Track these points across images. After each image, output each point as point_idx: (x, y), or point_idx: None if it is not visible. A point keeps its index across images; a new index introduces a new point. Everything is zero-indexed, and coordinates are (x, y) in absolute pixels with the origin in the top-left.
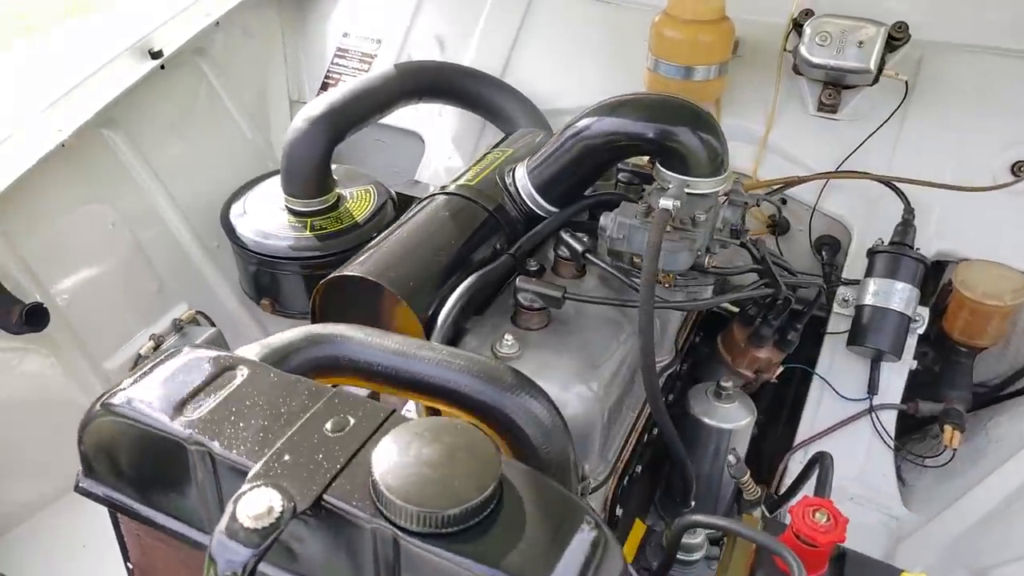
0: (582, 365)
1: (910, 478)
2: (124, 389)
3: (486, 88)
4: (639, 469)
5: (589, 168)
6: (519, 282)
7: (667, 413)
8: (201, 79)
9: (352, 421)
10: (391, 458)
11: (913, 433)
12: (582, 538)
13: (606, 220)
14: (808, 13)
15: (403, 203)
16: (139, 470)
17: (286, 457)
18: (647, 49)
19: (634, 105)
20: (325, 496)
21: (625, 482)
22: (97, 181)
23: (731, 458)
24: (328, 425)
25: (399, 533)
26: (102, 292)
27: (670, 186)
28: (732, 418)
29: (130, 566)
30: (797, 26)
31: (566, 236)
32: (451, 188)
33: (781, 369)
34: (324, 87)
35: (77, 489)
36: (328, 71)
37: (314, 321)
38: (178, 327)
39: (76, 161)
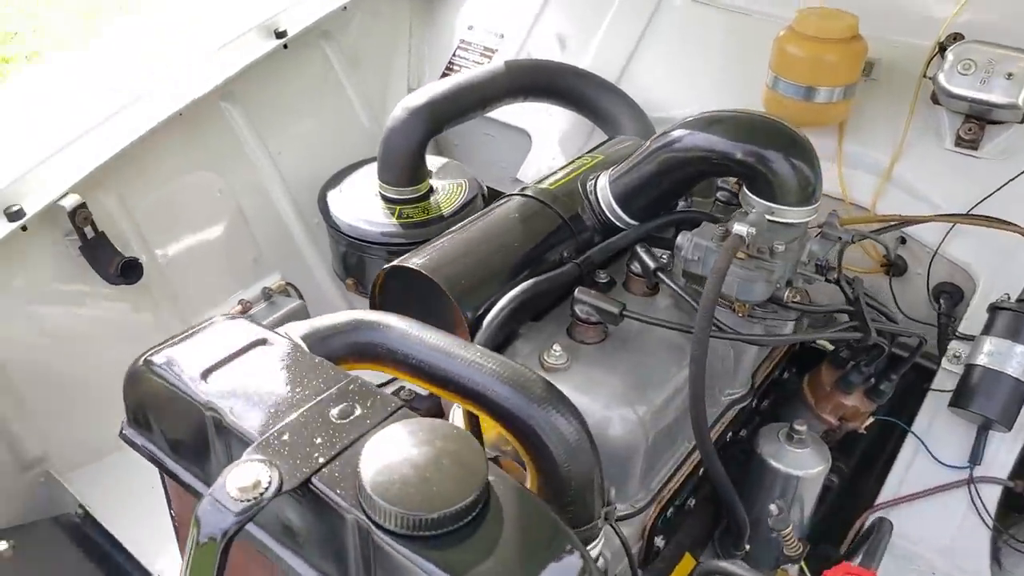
0: (631, 387)
1: (1008, 563)
2: (166, 348)
3: (594, 91)
4: (692, 502)
5: (673, 183)
6: (577, 292)
7: (714, 450)
8: (323, 61)
9: (359, 411)
10: (380, 453)
11: (1019, 514)
12: (560, 566)
13: (683, 239)
14: (956, 37)
15: (494, 200)
16: (169, 427)
17: (286, 436)
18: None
19: (727, 122)
20: (313, 480)
21: (670, 513)
22: (210, 150)
23: (773, 507)
24: (335, 411)
25: (374, 528)
26: (201, 254)
27: (752, 211)
28: (802, 464)
29: (173, 514)
30: (942, 50)
31: (640, 251)
32: (529, 190)
33: (871, 420)
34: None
35: (121, 435)
36: (450, 62)
37: (372, 306)
38: (267, 295)
39: (192, 130)
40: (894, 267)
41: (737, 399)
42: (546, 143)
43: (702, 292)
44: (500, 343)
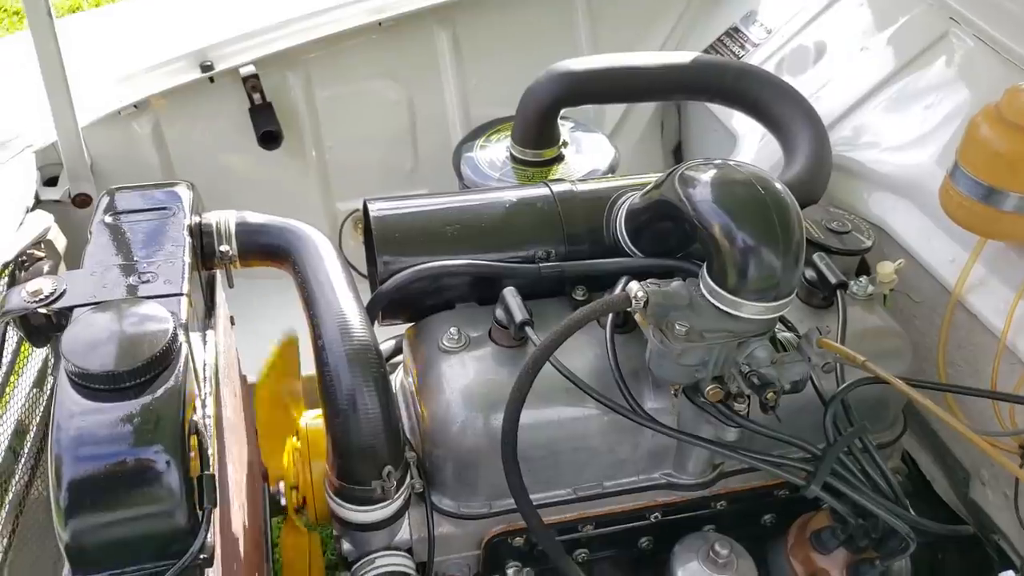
0: (497, 397)
1: None
2: (129, 187)
3: (781, 106)
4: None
5: (667, 228)
6: (504, 292)
7: (535, 512)
8: (566, 10)
9: (153, 283)
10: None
11: None
12: None
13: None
14: None
15: None
16: None
17: (94, 275)
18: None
19: (719, 180)
20: (75, 311)
21: (520, 544)
22: (405, 64)
23: None
24: (140, 276)
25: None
26: (363, 150)
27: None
28: None
29: None
30: None
31: (619, 284)
32: (556, 184)
33: None
34: None
35: None
36: (712, 44)
37: (365, 233)
38: None
39: (394, 40)
40: None
41: (678, 485)
42: (746, 156)
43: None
44: (420, 306)
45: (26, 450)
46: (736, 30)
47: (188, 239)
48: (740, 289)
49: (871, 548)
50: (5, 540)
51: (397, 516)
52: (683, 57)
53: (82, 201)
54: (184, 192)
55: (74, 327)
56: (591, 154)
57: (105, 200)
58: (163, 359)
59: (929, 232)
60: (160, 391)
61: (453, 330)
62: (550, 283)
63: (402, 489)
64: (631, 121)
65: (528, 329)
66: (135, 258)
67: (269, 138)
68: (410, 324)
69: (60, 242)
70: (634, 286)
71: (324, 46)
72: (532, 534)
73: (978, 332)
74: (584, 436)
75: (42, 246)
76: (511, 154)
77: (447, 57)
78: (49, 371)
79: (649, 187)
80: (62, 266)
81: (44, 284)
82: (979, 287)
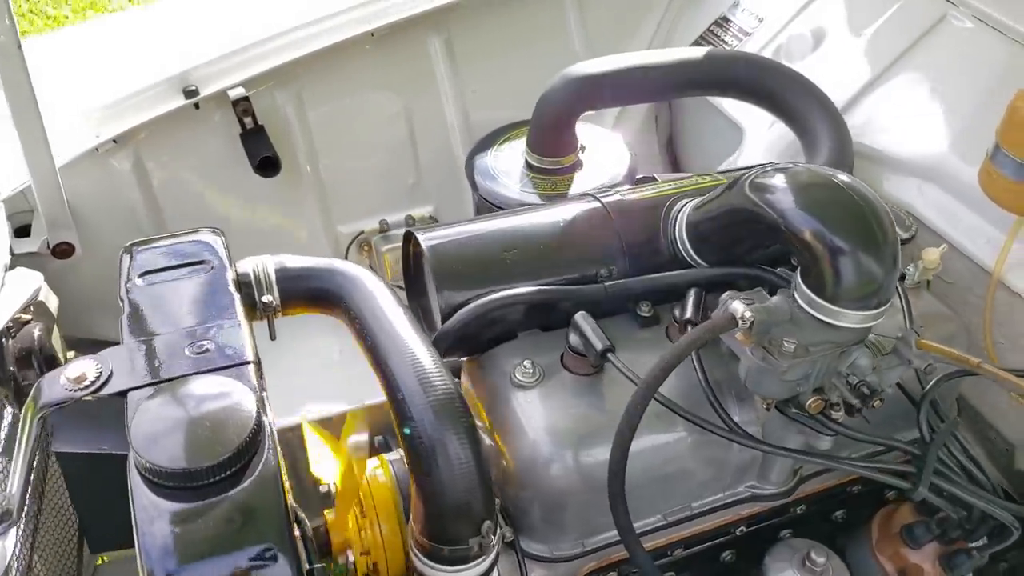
0: (587, 432)
1: None
2: (148, 243)
3: (798, 98)
4: None
5: (740, 234)
6: (576, 317)
7: (632, 528)
8: (558, 10)
9: (210, 351)
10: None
11: None
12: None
13: (724, 298)
14: None
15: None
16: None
17: (140, 348)
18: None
19: (806, 185)
20: (129, 394)
21: None
22: (399, 74)
23: None
24: (194, 343)
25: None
26: (362, 169)
27: (793, 293)
28: None
29: None
30: None
31: (689, 297)
32: (605, 196)
33: None
34: None
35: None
36: (702, 35)
37: (405, 267)
38: (408, 223)
39: (386, 50)
40: None
41: (762, 496)
42: (754, 148)
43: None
44: (483, 340)
45: None
46: (725, 19)
47: (236, 295)
48: (842, 298)
49: (962, 538)
50: None
51: (491, 570)
52: (695, 52)
53: (63, 251)
54: (215, 240)
55: (141, 417)
56: (608, 157)
57: (127, 260)
58: (253, 443)
59: (960, 214)
60: (256, 479)
61: (527, 363)
62: (612, 301)
63: (495, 541)
64: (627, 116)
65: (612, 357)
66: (184, 324)
67: (267, 165)
68: (469, 357)
69: (52, 302)
70: (739, 306)
71: (315, 61)
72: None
73: (1019, 309)
74: (675, 460)
75: (30, 308)
76: (527, 162)
77: (442, 64)
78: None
79: (712, 195)
80: (55, 332)
81: (86, 367)
82: (1019, 266)
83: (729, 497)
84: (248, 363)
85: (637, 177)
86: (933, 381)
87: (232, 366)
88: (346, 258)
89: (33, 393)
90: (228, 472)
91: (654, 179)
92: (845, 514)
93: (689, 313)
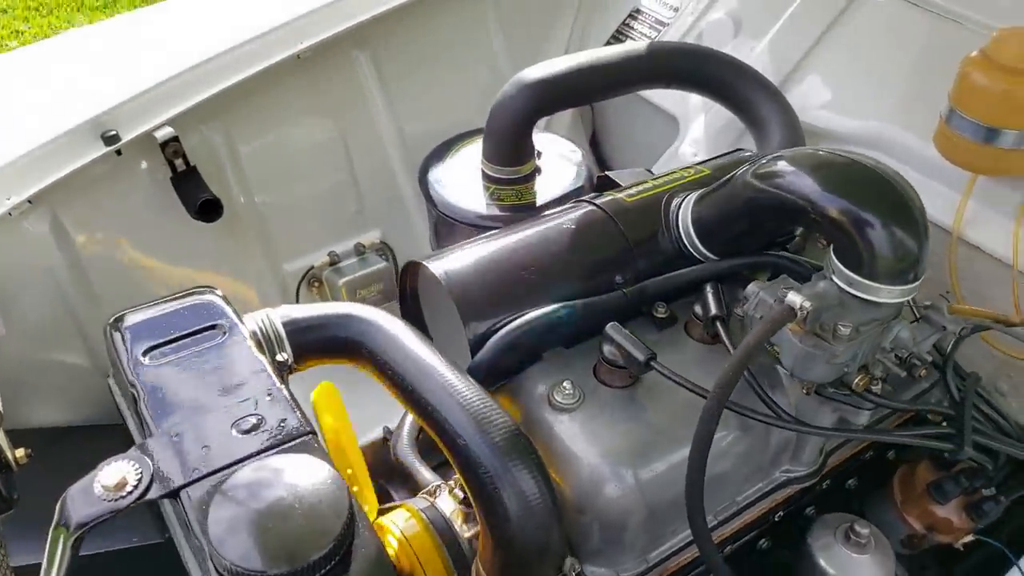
0: (640, 446)
1: None
2: (138, 311)
3: (744, 85)
4: None
5: (757, 224)
6: (608, 329)
7: (710, 539)
8: (474, 14)
9: (261, 428)
10: (237, 492)
11: None
12: None
13: (752, 289)
14: None
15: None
16: (119, 389)
17: (180, 437)
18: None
19: (827, 167)
20: (183, 492)
21: None
22: (329, 96)
23: None
24: (241, 422)
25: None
26: (302, 200)
27: (832, 277)
28: (854, 572)
29: None
30: None
31: (708, 292)
32: (600, 199)
33: (970, 538)
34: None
35: (108, 381)
36: (617, 30)
37: (402, 302)
38: (359, 251)
39: (313, 73)
40: None
41: (796, 478)
42: (693, 137)
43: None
44: (512, 367)
45: None
46: (638, 11)
47: (263, 357)
48: (883, 275)
49: (984, 486)
50: None
51: None
52: (639, 47)
53: None
54: (214, 300)
55: (218, 515)
56: (563, 159)
57: (119, 338)
58: (351, 524)
59: (909, 178)
60: (362, 561)
61: (566, 384)
62: (633, 306)
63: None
64: (556, 117)
65: (656, 365)
66: (218, 402)
67: (208, 209)
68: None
69: None
70: (796, 297)
71: (241, 91)
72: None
73: (980, 261)
74: (723, 458)
75: None
76: (486, 174)
77: (371, 80)
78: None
79: (717, 187)
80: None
81: (123, 470)
82: (975, 221)
83: (768, 485)
84: (310, 433)
85: (598, 176)
86: (953, 341)
87: (293, 440)
88: (296, 297)
89: (60, 512)
90: (335, 560)
91: (611, 180)
92: (857, 482)
93: (714, 309)
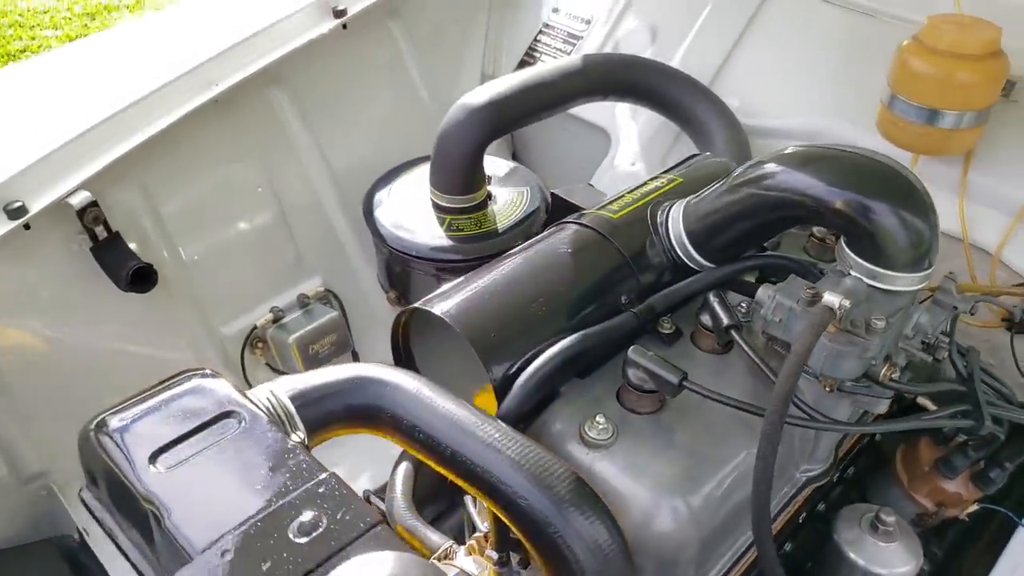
0: (685, 472)
1: None
2: (125, 409)
3: (681, 91)
4: None
5: (757, 225)
6: (631, 353)
7: (778, 563)
8: (388, 43)
9: (325, 524)
10: None
11: None
12: None
13: (764, 294)
14: None
15: (561, 212)
16: (117, 508)
17: (229, 554)
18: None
19: (828, 161)
20: None
21: None
22: (251, 140)
23: None
24: (296, 524)
25: None
26: (235, 255)
27: (851, 272)
28: (887, 561)
29: None
30: None
31: (713, 302)
32: (587, 219)
33: (975, 508)
34: (522, 65)
35: (80, 496)
36: (529, 48)
37: (394, 349)
38: (303, 303)
39: (232, 117)
40: (1017, 324)
41: (815, 476)
42: (627, 146)
43: (783, 363)
44: (536, 407)
45: None
46: (548, 26)
47: (297, 441)
48: (901, 264)
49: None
50: None
51: None
52: (575, 61)
53: None
54: (218, 383)
55: None
56: (513, 182)
57: (112, 444)
58: None
59: None
60: None
61: (599, 419)
62: (644, 325)
63: None
64: None
65: (689, 384)
66: (258, 504)
67: (141, 278)
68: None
69: None
70: (833, 298)
71: (157, 143)
72: None
73: None
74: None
75: None
76: (438, 204)
77: (293, 118)
78: None
79: (711, 194)
80: None
81: None
82: None
83: (792, 488)
84: (381, 523)
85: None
86: (951, 317)
87: (364, 533)
88: (241, 363)
89: None
90: None
91: (562, 198)
92: (854, 470)
93: (726, 318)
